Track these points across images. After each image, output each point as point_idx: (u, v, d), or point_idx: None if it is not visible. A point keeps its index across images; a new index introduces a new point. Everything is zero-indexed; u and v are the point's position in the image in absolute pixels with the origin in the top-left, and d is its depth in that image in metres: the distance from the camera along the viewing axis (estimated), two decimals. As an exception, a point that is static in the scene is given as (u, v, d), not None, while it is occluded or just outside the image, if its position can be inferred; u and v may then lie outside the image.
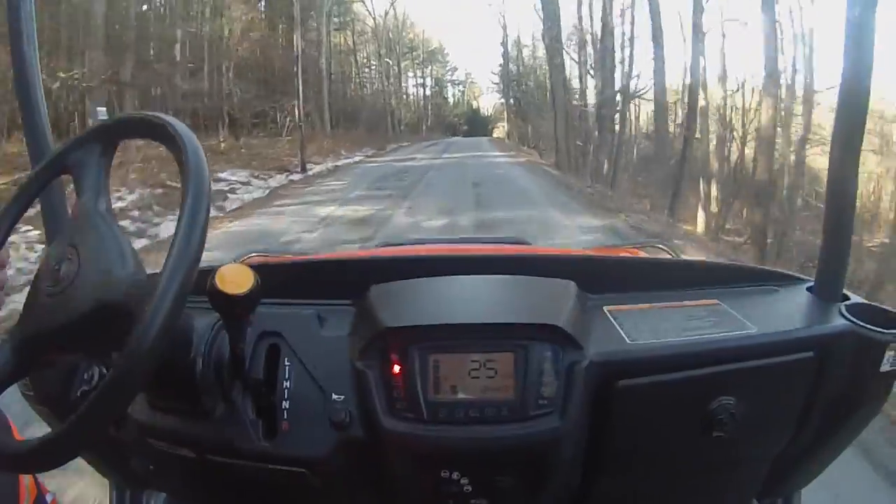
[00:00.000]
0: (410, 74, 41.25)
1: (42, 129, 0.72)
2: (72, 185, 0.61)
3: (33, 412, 0.71)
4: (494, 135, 46.11)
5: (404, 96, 37.93)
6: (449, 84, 48.10)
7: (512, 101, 33.44)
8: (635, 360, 0.62)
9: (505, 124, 42.48)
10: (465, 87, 49.96)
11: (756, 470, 0.73)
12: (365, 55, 30.53)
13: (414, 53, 39.68)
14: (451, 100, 47.93)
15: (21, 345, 0.48)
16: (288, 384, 0.63)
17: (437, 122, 44.55)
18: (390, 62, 32.59)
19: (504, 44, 31.01)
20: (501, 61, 35.04)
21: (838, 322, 0.66)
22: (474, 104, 50.90)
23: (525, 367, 0.59)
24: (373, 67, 30.56)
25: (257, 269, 0.51)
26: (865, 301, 0.68)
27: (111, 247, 0.50)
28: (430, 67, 43.65)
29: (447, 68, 47.50)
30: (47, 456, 0.43)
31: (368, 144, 19.75)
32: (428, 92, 43.02)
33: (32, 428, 0.60)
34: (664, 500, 0.74)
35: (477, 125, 50.20)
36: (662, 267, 0.88)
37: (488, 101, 51.43)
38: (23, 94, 0.71)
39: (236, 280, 0.51)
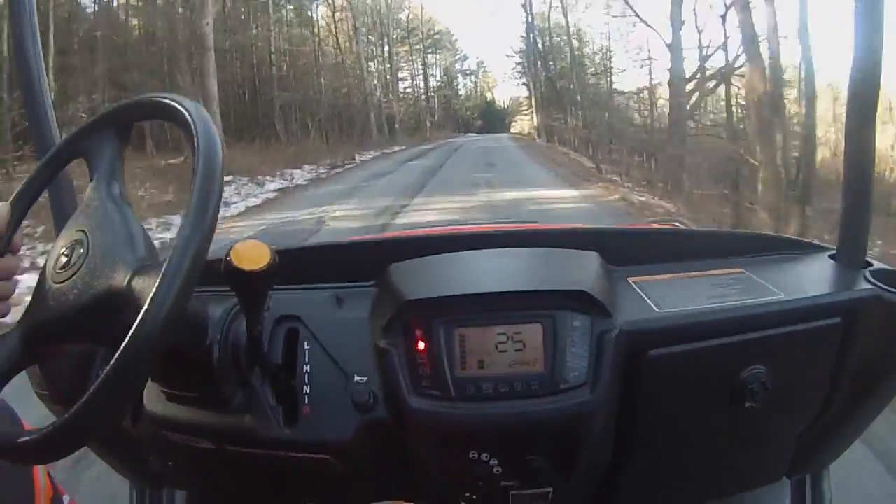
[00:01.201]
0: (411, 61, 35.35)
1: (47, 123, 0.74)
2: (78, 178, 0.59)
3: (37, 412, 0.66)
4: (513, 129, 42.26)
5: (400, 87, 33.66)
6: (459, 75, 42.91)
7: (541, 85, 27.55)
8: (665, 328, 0.64)
9: (530, 117, 37.73)
10: (477, 77, 44.23)
11: (786, 445, 0.75)
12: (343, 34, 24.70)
13: (413, 38, 35.15)
14: (462, 92, 43.21)
15: (29, 333, 0.51)
16: (308, 368, 0.64)
17: (447, 118, 40.81)
18: (372, 38, 27.85)
19: (527, 4, 24.70)
20: (524, 35, 28.41)
21: (863, 287, 0.68)
22: (488, 96, 45.53)
23: (554, 338, 0.61)
24: (343, 48, 24.67)
25: (275, 252, 0.51)
26: (889, 267, 0.70)
27: (120, 232, 0.52)
28: (434, 55, 38.22)
29: (456, 57, 41.85)
30: (55, 445, 0.45)
31: (326, 157, 14.76)
32: (433, 82, 38.04)
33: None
34: (695, 476, 0.75)
35: (493, 119, 45.17)
36: (683, 237, 0.88)
37: (504, 91, 46.13)
38: (27, 89, 0.73)
39: (252, 256, 0.52)
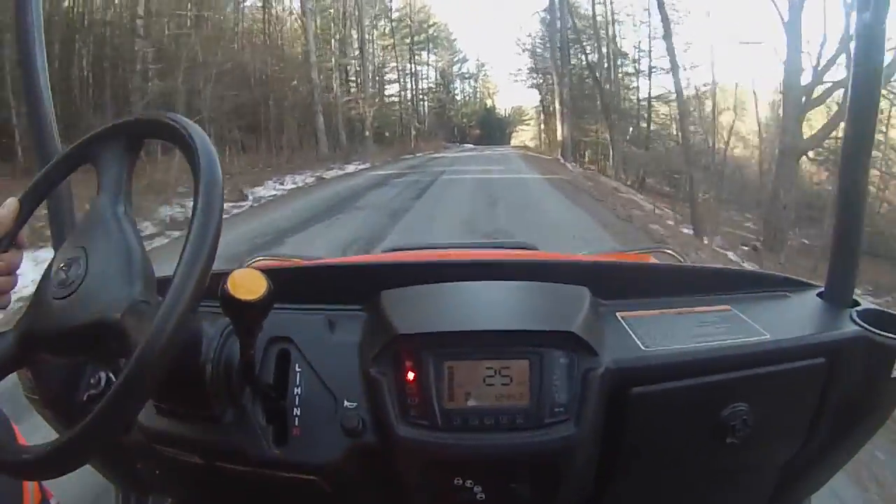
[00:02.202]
0: (396, 56, 30.42)
1: (49, 130, 0.79)
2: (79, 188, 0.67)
3: (31, 416, 0.74)
4: (514, 142, 37.49)
5: (387, 89, 29.14)
6: (457, 78, 37.73)
7: (569, 80, 22.94)
8: (650, 366, 0.69)
9: (536, 128, 34.05)
10: (476, 81, 38.96)
11: (767, 477, 0.80)
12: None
13: (401, 29, 30.04)
14: (459, 97, 38.24)
15: (24, 338, 0.56)
16: (298, 390, 0.69)
17: (439, 125, 35.42)
18: (331, 13, 23.25)
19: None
20: (544, 13, 23.99)
21: (849, 328, 0.73)
22: (488, 103, 40.16)
23: (540, 374, 0.66)
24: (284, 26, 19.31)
25: (267, 273, 0.56)
26: (876, 307, 0.76)
27: (119, 259, 0.55)
28: (429, 53, 33.46)
29: (455, 58, 36.55)
30: (55, 463, 0.49)
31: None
32: (426, 84, 33.50)
33: (35, 432, 0.70)
34: None
35: (492, 129, 39.13)
36: (673, 273, 0.94)
37: (506, 99, 42.67)
38: (30, 96, 0.78)
39: (249, 286, 0.55)
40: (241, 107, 13.43)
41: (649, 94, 18.70)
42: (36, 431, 0.73)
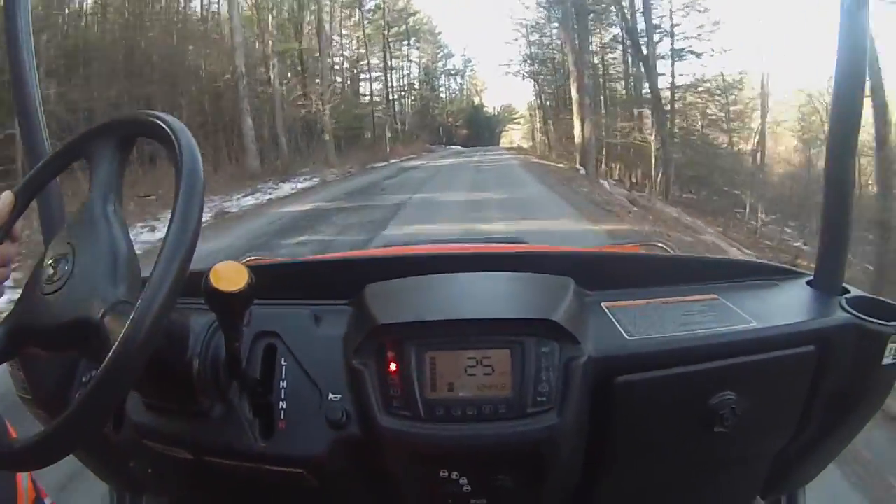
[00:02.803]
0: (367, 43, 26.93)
1: (38, 131, 0.81)
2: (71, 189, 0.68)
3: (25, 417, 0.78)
4: (503, 142, 35.26)
5: (346, 81, 25.38)
6: (443, 75, 34.82)
7: (584, 66, 18.77)
8: (634, 355, 0.71)
9: (529, 127, 31.90)
10: (463, 77, 35.98)
11: (758, 467, 0.81)
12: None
13: (377, 21, 27.33)
14: (444, 94, 35.37)
15: (14, 331, 0.59)
16: (284, 384, 0.71)
17: (424, 125, 32.43)
18: None
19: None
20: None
21: (839, 315, 0.75)
22: (476, 100, 37.27)
23: (522, 363, 0.68)
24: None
25: (254, 269, 0.59)
26: (866, 294, 0.78)
27: (105, 258, 0.58)
28: (409, 46, 30.70)
29: (440, 54, 33.78)
30: (41, 453, 0.51)
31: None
32: (406, 81, 31.04)
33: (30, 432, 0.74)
34: (666, 498, 0.82)
35: (480, 128, 36.28)
36: (660, 263, 0.94)
37: (494, 97, 40.36)
38: (19, 97, 0.81)
39: (231, 277, 0.58)
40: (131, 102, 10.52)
41: (673, 82, 14.46)
42: (30, 431, 0.76)
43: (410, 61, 30.26)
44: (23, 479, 0.76)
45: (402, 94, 29.87)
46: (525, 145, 32.18)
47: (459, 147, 32.61)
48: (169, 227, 0.51)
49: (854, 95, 0.74)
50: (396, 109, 28.55)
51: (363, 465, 0.70)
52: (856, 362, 0.74)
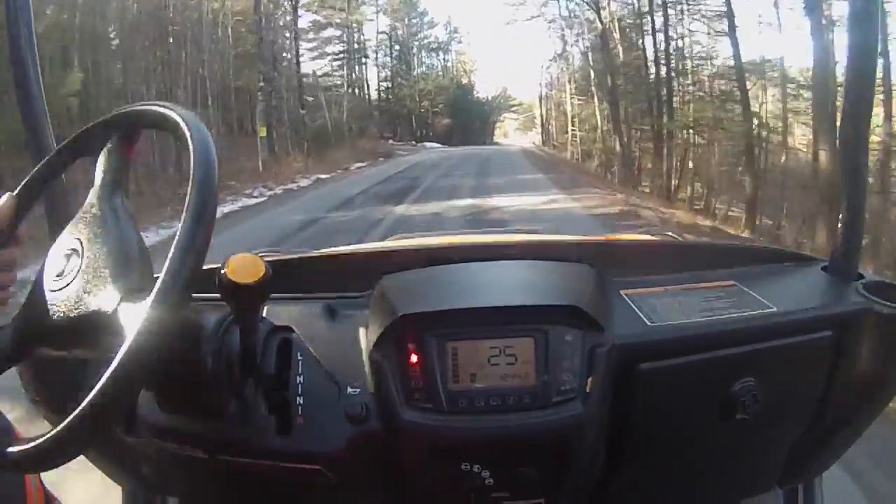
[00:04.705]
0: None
1: (42, 126, 0.86)
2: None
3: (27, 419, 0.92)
4: (499, 135, 28.18)
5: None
6: (422, 49, 26.48)
7: None
8: (657, 342, 0.77)
9: (542, 118, 25.24)
10: (447, 52, 27.22)
11: (776, 455, 0.88)
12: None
13: None
14: (415, 71, 26.49)
15: (22, 332, 0.64)
16: (301, 379, 0.76)
17: (394, 114, 25.12)
18: None
19: None
20: None
21: (855, 300, 0.82)
22: (464, 79, 28.01)
23: (546, 352, 0.74)
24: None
25: (268, 264, 0.65)
26: (882, 279, 0.85)
27: (115, 249, 0.61)
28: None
29: (417, 21, 25.90)
30: (49, 455, 0.54)
31: None
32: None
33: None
34: (686, 486, 0.88)
35: (469, 118, 27.06)
36: (676, 249, 1.00)
37: (485, 81, 33.79)
38: (22, 92, 0.84)
39: (247, 269, 0.61)
40: None
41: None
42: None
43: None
44: (31, 480, 0.83)
45: (337, 70, 23.44)
46: (530, 143, 25.38)
47: (438, 146, 25.06)
48: (184, 216, 0.54)
49: (866, 83, 0.80)
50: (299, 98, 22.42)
51: (382, 460, 0.77)
52: (873, 347, 0.81)
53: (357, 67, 26.10)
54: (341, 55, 25.20)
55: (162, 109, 0.61)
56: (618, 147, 16.88)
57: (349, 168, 16.70)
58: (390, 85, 27.72)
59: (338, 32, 24.85)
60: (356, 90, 26.54)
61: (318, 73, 23.05)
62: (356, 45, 26.10)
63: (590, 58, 17.67)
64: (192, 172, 0.54)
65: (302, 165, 15.52)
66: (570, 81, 20.79)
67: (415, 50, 28.41)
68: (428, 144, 26.36)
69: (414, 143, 26.80)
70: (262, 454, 0.72)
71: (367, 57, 26.35)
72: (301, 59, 20.52)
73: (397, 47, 27.48)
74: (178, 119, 0.58)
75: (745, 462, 0.86)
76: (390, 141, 26.09)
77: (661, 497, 0.86)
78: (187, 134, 0.57)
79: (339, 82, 24.90)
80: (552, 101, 24.62)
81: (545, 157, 22.54)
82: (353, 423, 0.72)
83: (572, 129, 20.86)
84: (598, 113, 17.39)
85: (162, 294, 0.51)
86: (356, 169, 17.21)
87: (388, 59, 27.43)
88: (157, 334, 0.50)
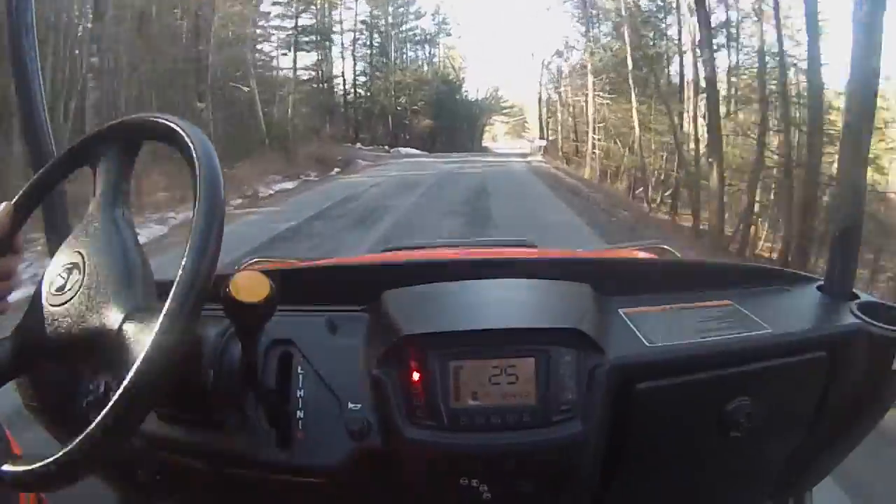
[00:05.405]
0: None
1: (42, 133, 0.87)
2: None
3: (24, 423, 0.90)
4: (487, 140, 24.96)
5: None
6: (408, 43, 23.13)
7: None
8: (655, 362, 0.80)
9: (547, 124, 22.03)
10: (434, 45, 23.55)
11: (769, 470, 0.91)
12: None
13: None
14: (393, 62, 23.32)
15: (21, 345, 0.65)
16: (302, 393, 0.78)
17: (373, 114, 21.77)
18: None
19: None
20: None
21: (850, 321, 0.85)
22: (450, 75, 24.07)
23: (546, 371, 0.77)
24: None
25: (265, 275, 0.68)
26: (876, 299, 0.87)
27: (117, 265, 0.61)
28: None
29: (402, 10, 22.86)
30: (54, 478, 0.53)
31: None
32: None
33: (32, 440, 0.82)
34: (680, 501, 0.91)
35: (455, 120, 23.52)
36: (674, 268, 1.04)
37: (475, 81, 29.30)
38: (24, 100, 0.86)
39: (252, 288, 0.62)
40: None
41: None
42: (32, 439, 0.80)
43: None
44: None
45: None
46: (525, 150, 21.20)
47: (415, 152, 20.53)
48: (192, 230, 0.55)
49: (866, 103, 0.82)
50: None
51: (382, 475, 0.79)
52: (866, 367, 0.84)
53: (325, 58, 21.84)
54: (290, 35, 20.70)
55: (165, 122, 0.61)
56: (713, 177, 10.62)
57: (258, 195, 11.14)
58: (367, 79, 25.70)
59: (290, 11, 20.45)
60: (323, 84, 22.05)
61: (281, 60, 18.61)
62: (322, 27, 21.73)
63: (627, 36, 13.33)
64: (196, 192, 0.54)
65: (168, 196, 9.43)
66: (592, 74, 15.58)
67: (395, 41, 24.76)
68: (403, 150, 22.75)
69: (387, 148, 22.68)
70: (262, 467, 0.74)
71: (330, 41, 22.24)
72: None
73: (378, 39, 24.44)
74: (182, 132, 0.58)
75: (738, 478, 0.91)
76: (358, 145, 21.81)
77: None
78: (191, 147, 0.57)
79: (306, 76, 20.55)
80: (559, 101, 20.47)
81: (569, 182, 15.23)
82: (354, 438, 0.74)
83: (595, 139, 15.62)
84: (636, 116, 13.10)
85: (173, 314, 0.51)
86: (267, 196, 11.39)
87: (369, 50, 24.80)
88: (167, 356, 0.50)
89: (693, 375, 0.75)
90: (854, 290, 0.86)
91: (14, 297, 0.69)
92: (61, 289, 0.58)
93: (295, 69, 20.36)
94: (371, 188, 11.61)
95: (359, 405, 0.73)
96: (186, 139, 0.56)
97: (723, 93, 11.68)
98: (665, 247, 1.46)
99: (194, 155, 0.55)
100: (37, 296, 0.61)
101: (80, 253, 0.60)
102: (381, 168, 17.09)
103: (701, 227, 10.99)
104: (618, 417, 0.76)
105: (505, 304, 0.84)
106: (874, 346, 0.78)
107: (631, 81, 13.60)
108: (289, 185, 12.91)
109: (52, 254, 0.67)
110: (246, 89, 16.87)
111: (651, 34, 13.27)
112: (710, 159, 10.75)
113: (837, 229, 0.82)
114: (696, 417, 0.77)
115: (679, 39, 12.61)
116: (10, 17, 0.80)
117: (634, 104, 13.27)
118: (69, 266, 0.59)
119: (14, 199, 0.68)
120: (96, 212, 0.62)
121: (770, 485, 0.91)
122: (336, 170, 16.25)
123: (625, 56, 13.63)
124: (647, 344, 0.78)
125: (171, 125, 0.59)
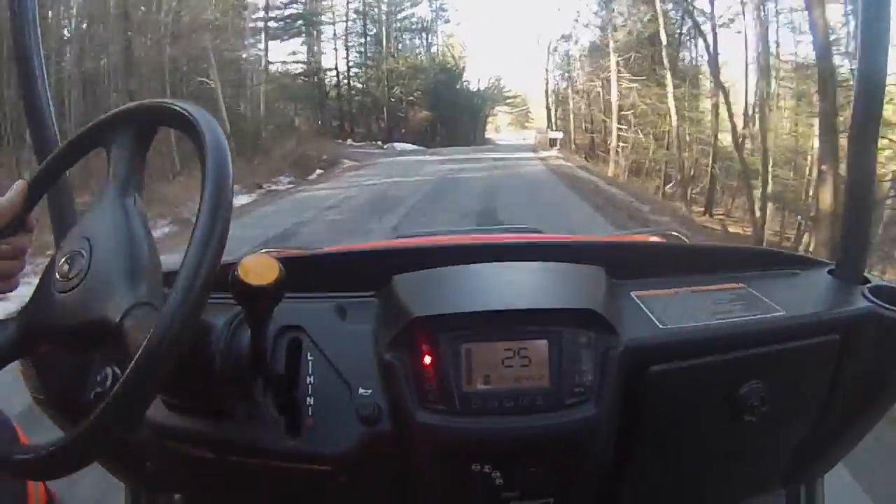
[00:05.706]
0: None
1: (47, 121, 0.89)
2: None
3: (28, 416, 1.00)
4: (491, 132, 23.10)
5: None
6: (405, 33, 21.82)
7: None
8: (668, 344, 0.82)
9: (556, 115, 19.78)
10: (431, 33, 22.18)
11: (781, 456, 0.94)
12: None
13: None
14: (387, 50, 21.32)
15: (27, 328, 0.67)
16: (311, 379, 0.80)
17: (359, 104, 19.52)
18: None
19: None
20: None
21: (861, 304, 0.87)
22: (449, 63, 21.80)
23: (559, 354, 0.79)
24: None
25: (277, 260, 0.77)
26: (887, 283, 0.90)
27: (124, 255, 0.62)
28: None
29: None
30: (59, 463, 0.56)
31: None
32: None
33: (37, 430, 0.87)
34: (692, 487, 0.93)
35: (456, 112, 21.30)
36: (685, 252, 1.08)
37: (478, 66, 31.77)
38: (27, 87, 0.87)
39: (261, 271, 0.62)
40: None
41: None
42: (39, 430, 0.81)
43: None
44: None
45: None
46: (533, 142, 19.46)
47: (412, 148, 18.53)
48: (196, 221, 0.56)
49: (876, 86, 0.84)
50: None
51: (393, 461, 0.82)
52: (878, 351, 0.87)
53: (315, 47, 19.97)
54: (262, 18, 18.77)
55: (177, 108, 0.62)
56: (827, 188, 8.15)
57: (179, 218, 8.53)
58: (360, 70, 22.54)
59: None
60: (312, 77, 20.32)
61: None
62: (307, 13, 19.89)
63: (658, 5, 11.37)
64: (205, 179, 0.55)
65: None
66: (615, 53, 13.80)
67: (390, 29, 23.40)
68: (398, 146, 20.95)
69: (381, 144, 20.53)
70: (271, 455, 0.75)
71: (315, 27, 20.38)
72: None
73: (373, 29, 22.98)
74: (192, 118, 0.59)
75: (750, 462, 0.93)
76: (349, 141, 19.82)
77: (667, 495, 0.92)
78: (201, 133, 0.58)
79: (297, 70, 18.54)
80: (571, 88, 18.39)
81: (608, 192, 12.40)
82: (365, 424, 0.76)
83: (620, 131, 14.45)
84: (671, 102, 11.09)
85: (174, 305, 0.51)
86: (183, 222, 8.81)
87: (363, 39, 23.66)
88: (168, 346, 0.51)
89: (706, 358, 0.77)
90: (865, 275, 0.89)
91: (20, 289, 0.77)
92: (66, 275, 0.59)
93: (266, 57, 19.19)
94: (326, 210, 8.80)
95: (369, 390, 0.74)
96: (198, 126, 0.56)
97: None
98: (675, 233, 1.46)
99: (205, 143, 0.55)
100: (43, 280, 0.62)
101: (87, 239, 0.60)
102: (362, 172, 14.56)
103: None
104: (630, 400, 0.79)
105: (517, 286, 0.85)
106: (885, 330, 0.80)
107: (666, 60, 12.25)
108: (244, 199, 10.58)
109: (57, 241, 0.72)
110: (212, 84, 15.11)
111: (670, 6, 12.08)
112: (822, 167, 8.81)
113: (849, 214, 0.86)
114: (708, 400, 0.81)
115: (712, 10, 11.35)
116: (12, 8, 0.79)
117: (670, 88, 11.84)
118: (76, 252, 0.60)
119: (29, 178, 0.70)
120: (106, 197, 0.62)
121: (782, 470, 0.94)
122: (318, 172, 14.45)
123: (652, 31, 12.25)
124: (660, 326, 0.80)
125: (185, 112, 0.58)
